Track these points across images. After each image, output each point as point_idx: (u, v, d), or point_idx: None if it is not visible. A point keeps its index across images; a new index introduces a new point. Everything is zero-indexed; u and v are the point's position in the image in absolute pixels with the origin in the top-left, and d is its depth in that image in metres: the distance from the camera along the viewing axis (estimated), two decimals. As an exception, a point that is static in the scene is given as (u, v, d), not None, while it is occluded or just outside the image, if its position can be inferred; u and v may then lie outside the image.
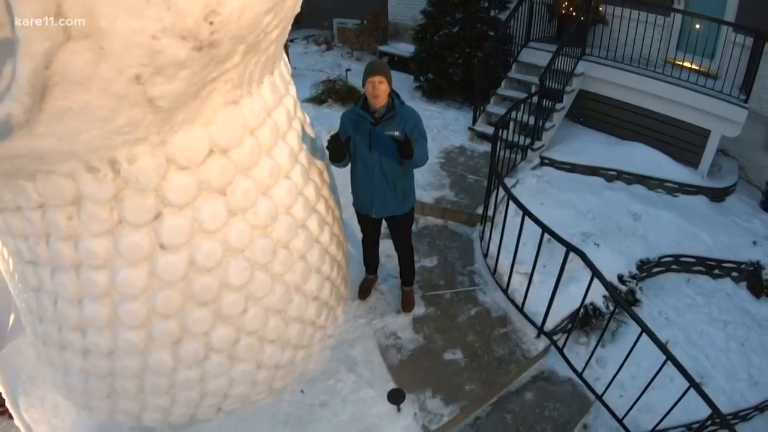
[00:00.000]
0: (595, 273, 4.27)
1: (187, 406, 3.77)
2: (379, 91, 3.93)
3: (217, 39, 2.04)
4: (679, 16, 8.60)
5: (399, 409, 4.09)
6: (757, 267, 6.90)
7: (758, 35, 7.26)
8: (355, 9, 13.29)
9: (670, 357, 3.90)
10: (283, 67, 3.57)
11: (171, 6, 1.78)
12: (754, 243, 7.24)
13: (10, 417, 4.93)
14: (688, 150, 8.17)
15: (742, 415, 5.64)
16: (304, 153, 3.81)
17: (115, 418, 3.96)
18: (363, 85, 4.00)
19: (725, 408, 4.88)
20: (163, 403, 3.67)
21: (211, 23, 1.94)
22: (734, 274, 7.00)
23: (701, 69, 8.27)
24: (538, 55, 8.93)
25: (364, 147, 4.11)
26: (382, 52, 12.82)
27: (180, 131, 2.62)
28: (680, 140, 8.21)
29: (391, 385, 4.28)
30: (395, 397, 4.07)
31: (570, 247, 4.36)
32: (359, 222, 4.81)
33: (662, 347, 3.95)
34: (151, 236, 2.87)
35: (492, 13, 9.88)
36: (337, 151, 4.00)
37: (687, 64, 8.56)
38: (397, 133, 3.97)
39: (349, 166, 4.34)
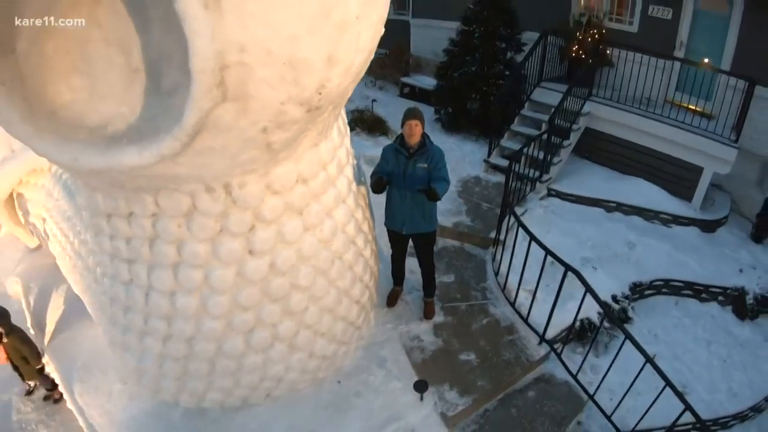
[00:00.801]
0: (588, 290, 5.23)
1: (246, 388, 4.72)
2: (414, 132, 5.01)
3: (322, 104, 2.99)
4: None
5: (422, 398, 5.02)
6: (741, 292, 7.75)
7: (750, 81, 8.19)
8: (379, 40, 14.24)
9: (651, 362, 4.84)
10: (342, 111, 4.56)
11: (298, 83, 2.69)
12: (740, 271, 8.09)
13: (55, 402, 6.01)
14: (682, 185, 9.08)
15: (722, 422, 6.47)
16: (354, 182, 4.82)
17: (179, 399, 4.89)
18: (402, 126, 5.07)
19: (705, 415, 5.68)
20: (227, 384, 4.61)
21: (320, 94, 2.86)
22: (720, 298, 7.84)
23: (698, 109, 9.17)
24: (549, 95, 9.92)
25: (399, 176, 5.14)
26: (405, 84, 13.84)
27: (279, 165, 3.58)
28: (676, 176, 9.12)
29: (415, 379, 5.21)
30: (420, 387, 5.01)
31: (567, 267, 5.32)
32: (390, 239, 5.81)
33: (645, 354, 4.88)
34: (243, 244, 3.80)
35: (508, 54, 10.91)
36: (379, 187, 5.08)
37: (685, 105, 9.48)
38: (425, 165, 5.03)
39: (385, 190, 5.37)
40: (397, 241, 5.76)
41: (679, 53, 9.81)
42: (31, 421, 5.93)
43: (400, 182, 5.17)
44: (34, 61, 2.66)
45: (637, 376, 5.03)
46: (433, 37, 12.53)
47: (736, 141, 8.44)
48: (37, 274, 7.18)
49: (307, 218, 4.04)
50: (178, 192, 3.43)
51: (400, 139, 5.17)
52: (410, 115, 5.04)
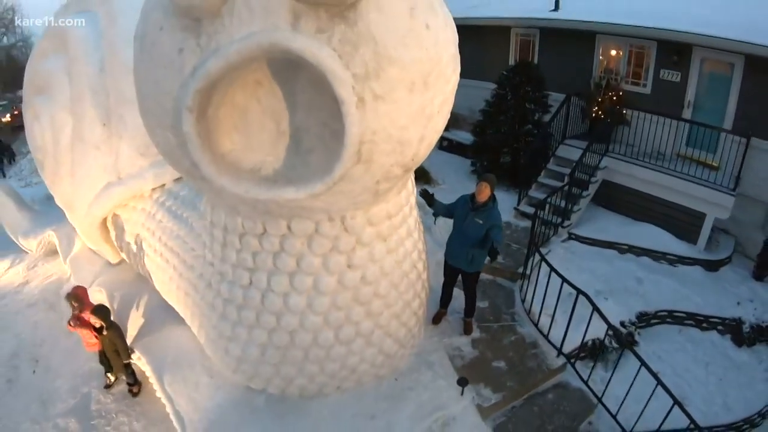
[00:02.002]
0: (595, 308, 6.65)
1: (326, 376, 6.13)
2: (482, 191, 6.55)
3: (412, 166, 4.61)
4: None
5: (462, 393, 6.40)
6: (738, 322, 8.98)
7: (747, 137, 9.70)
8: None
9: (649, 370, 6.20)
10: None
11: (402, 154, 4.25)
12: (738, 303, 9.34)
13: (134, 395, 7.28)
14: (688, 229, 10.47)
15: (718, 431, 7.57)
16: (419, 222, 6.41)
17: (268, 386, 6.30)
18: (477, 185, 6.65)
19: (701, 423, 6.61)
20: (313, 371, 6.04)
21: (413, 160, 4.47)
22: (719, 327, 9.07)
23: (705, 161, 10.60)
24: (572, 151, 11.46)
25: (461, 221, 6.76)
26: (444, 138, 15.52)
27: (377, 205, 5.18)
28: (682, 221, 10.52)
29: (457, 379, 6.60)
30: (462, 382, 6.40)
31: (578, 291, 6.76)
32: (444, 269, 7.38)
33: (646, 366, 6.24)
34: (346, 260, 5.36)
35: (536, 115, 12.56)
36: (426, 198, 6.82)
37: (694, 158, 10.84)
38: (481, 222, 6.56)
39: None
40: (450, 272, 7.34)
41: (687, 111, 11.41)
42: (111, 411, 7.10)
43: (460, 226, 6.79)
44: (213, 121, 4.13)
45: (633, 379, 6.40)
46: (470, 95, 14.10)
47: (734, 189, 9.83)
48: (119, 285, 8.63)
49: (389, 244, 5.63)
50: (308, 219, 5.04)
51: (473, 194, 6.73)
52: (483, 178, 6.68)
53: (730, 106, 10.79)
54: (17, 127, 45.70)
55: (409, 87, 3.91)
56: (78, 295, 7.10)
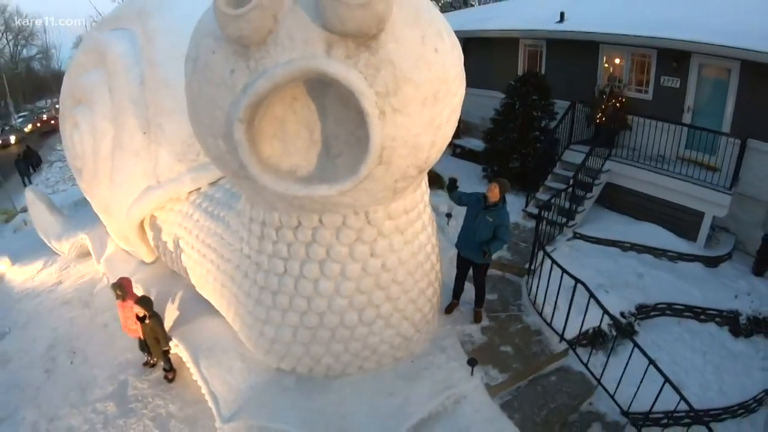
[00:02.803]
0: (592, 295, 7.53)
1: (350, 355, 7.03)
2: (493, 193, 7.50)
3: (425, 168, 5.64)
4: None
5: (472, 373, 7.25)
6: (736, 314, 9.76)
7: (743, 139, 10.53)
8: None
9: (643, 352, 7.07)
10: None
11: (416, 156, 5.26)
12: (736, 297, 10.12)
13: (169, 381, 8.11)
14: (688, 227, 11.31)
15: (714, 414, 8.30)
16: (432, 217, 7.36)
17: (298, 365, 7.20)
18: (489, 186, 7.61)
19: (696, 407, 7.36)
20: (339, 349, 6.95)
21: (426, 162, 5.49)
22: (717, 319, 9.85)
23: (705, 162, 11.44)
24: (577, 156, 12.31)
25: (472, 218, 7.70)
26: (457, 145, 16.61)
27: (396, 201, 6.15)
28: (682, 220, 11.37)
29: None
30: (471, 362, 7.27)
31: (576, 280, 7.64)
32: (457, 261, 8.33)
33: (640, 348, 7.10)
34: (369, 249, 6.31)
35: (543, 122, 13.52)
36: (452, 184, 7.89)
37: (694, 159, 11.64)
38: (491, 220, 7.49)
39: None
40: (462, 264, 8.28)
41: (687, 116, 12.27)
42: (147, 395, 7.88)
43: (471, 222, 7.73)
44: (257, 130, 5.11)
45: (627, 362, 7.34)
46: (480, 104, 15.19)
47: (731, 188, 10.64)
48: (155, 281, 9.58)
49: (407, 236, 6.62)
50: (336, 213, 6.04)
51: (485, 194, 7.66)
52: (495, 180, 7.67)
53: (728, 110, 11.62)
54: (45, 133, 48.13)
55: (421, 102, 4.91)
56: (123, 285, 7.99)
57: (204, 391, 7.12)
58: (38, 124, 51.58)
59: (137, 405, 7.78)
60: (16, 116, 56.07)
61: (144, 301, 7.66)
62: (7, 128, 46.70)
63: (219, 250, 7.72)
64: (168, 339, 7.91)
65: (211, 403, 6.94)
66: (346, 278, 6.44)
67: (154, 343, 7.88)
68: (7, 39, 69.86)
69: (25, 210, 19.10)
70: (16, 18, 69.15)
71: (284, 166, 5.29)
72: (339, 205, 5.80)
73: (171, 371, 8.13)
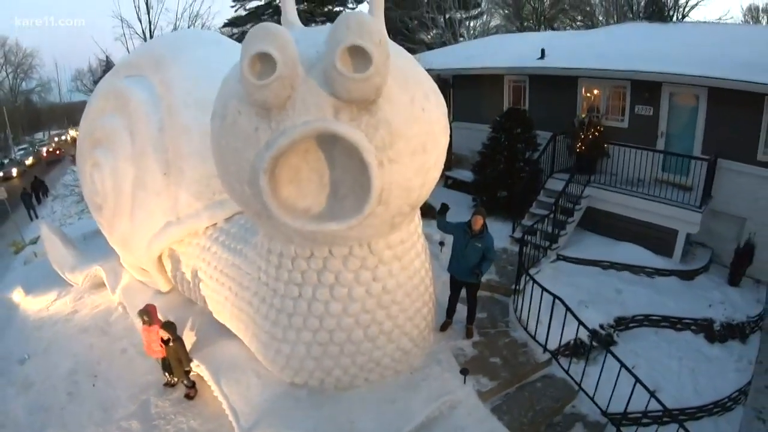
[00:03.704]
0: (568, 309, 8.72)
1: (357, 368, 8.15)
2: (477, 223, 8.74)
3: (417, 205, 7.01)
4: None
5: (465, 381, 8.38)
6: (710, 321, 10.87)
7: (712, 159, 11.84)
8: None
9: (615, 357, 8.22)
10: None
11: (409, 197, 6.59)
12: (710, 306, 11.25)
13: (190, 399, 9.06)
14: (663, 245, 12.53)
15: (689, 413, 9.28)
16: (425, 245, 8.60)
17: (310, 379, 8.27)
18: (471, 217, 8.82)
19: (671, 407, 8.32)
20: (347, 363, 8.08)
21: (417, 200, 6.83)
22: (693, 327, 10.95)
23: (680, 183, 12.55)
24: (559, 184, 13.47)
25: (462, 247, 8.89)
26: (448, 176, 17.97)
27: (393, 233, 7.41)
28: (658, 238, 12.59)
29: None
30: (464, 371, 8.42)
31: (555, 296, 8.83)
32: (450, 283, 9.52)
33: (611, 354, 8.23)
34: (371, 274, 7.50)
35: (527, 154, 14.87)
36: (443, 209, 9.11)
37: (670, 181, 12.80)
38: (479, 245, 8.72)
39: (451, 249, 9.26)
40: (455, 285, 9.49)
41: (661, 141, 13.62)
42: (169, 413, 8.70)
43: (461, 252, 8.93)
44: (277, 177, 6.28)
45: (601, 368, 8.45)
46: (470, 137, 16.65)
47: (701, 207, 11.85)
48: (171, 309, 10.46)
49: (403, 262, 7.84)
50: (344, 245, 7.27)
51: (469, 223, 8.87)
52: (477, 212, 8.90)
53: (698, 133, 12.90)
54: (50, 163, 52.07)
55: (412, 152, 6.24)
56: (149, 311, 9.08)
57: (224, 406, 8.15)
58: (44, 155, 55.94)
59: (160, 422, 8.63)
60: (16, 149, 58.67)
61: (169, 326, 8.75)
62: (7, 161, 49.11)
63: (237, 279, 8.87)
64: (190, 360, 8.94)
65: (231, 417, 7.96)
66: (352, 300, 7.60)
67: (177, 364, 8.89)
68: (6, 72, 72.31)
69: (33, 242, 20.30)
70: (16, 51, 71.89)
71: (299, 207, 6.47)
72: (346, 238, 7.03)
73: (192, 389, 9.10)
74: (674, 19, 27.40)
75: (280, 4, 7.24)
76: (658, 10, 24.86)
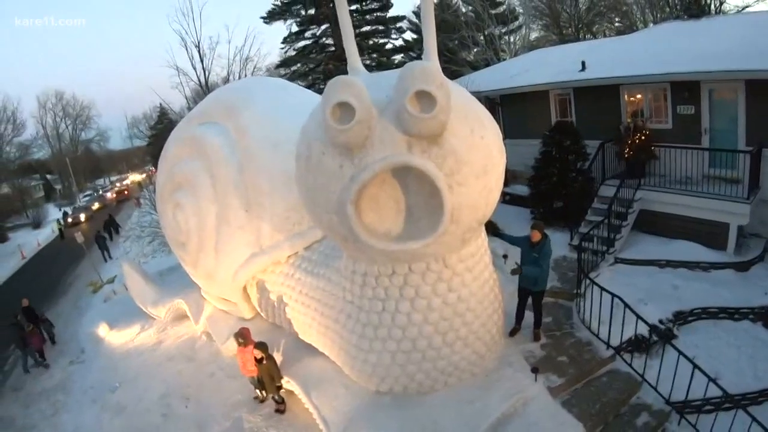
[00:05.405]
0: (627, 306, 9.61)
1: (438, 372, 9.18)
2: (535, 236, 9.80)
3: (483, 221, 8.25)
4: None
5: (536, 379, 9.33)
6: (767, 309, 11.35)
7: (754, 153, 12.43)
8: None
9: (676, 349, 9.11)
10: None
11: (477, 214, 7.83)
12: (766, 294, 11.71)
13: (281, 413, 10.08)
14: (717, 239, 13.16)
15: (751, 397, 9.42)
16: (492, 257, 9.70)
17: (395, 386, 9.30)
18: (530, 230, 9.87)
19: (732, 392, 8.57)
20: (429, 368, 9.11)
21: (484, 216, 8.06)
22: (751, 316, 11.37)
23: (728, 177, 13.18)
24: (611, 190, 14.32)
25: (525, 256, 9.94)
26: (505, 193, 19.07)
27: (464, 248, 8.60)
28: (710, 233, 13.25)
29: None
30: (535, 370, 9.39)
31: (613, 295, 9.76)
32: (519, 291, 10.48)
33: (672, 346, 9.13)
34: (447, 286, 8.62)
35: (578, 164, 15.84)
36: (495, 231, 10.36)
37: (719, 176, 13.48)
38: (537, 255, 9.75)
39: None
40: (523, 293, 10.47)
41: (705, 138, 14.30)
42: (261, 427, 9.70)
43: (524, 260, 9.94)
44: (359, 206, 7.44)
45: (661, 359, 9.30)
46: (522, 153, 17.52)
47: (748, 198, 12.47)
48: (258, 334, 11.12)
49: (474, 273, 8.96)
50: (422, 261, 8.43)
51: (529, 237, 9.90)
52: (533, 226, 9.96)
53: (740, 126, 13.52)
54: (120, 201, 59.60)
55: (476, 176, 7.41)
56: (243, 334, 10.29)
57: (315, 416, 9.23)
58: (113, 196, 63.37)
59: None
60: (81, 196, 65.20)
61: (261, 346, 9.93)
62: (75, 207, 54.18)
63: (322, 300, 10.06)
64: (281, 377, 10.04)
65: (322, 426, 9.03)
66: (431, 310, 8.71)
67: (269, 381, 9.95)
68: (65, 124, 78.28)
69: (111, 281, 21.99)
70: (73, 104, 79.65)
71: (380, 230, 7.64)
72: (423, 255, 8.17)
73: (282, 404, 10.17)
74: (712, 7, 27.32)
75: (343, 47, 8.35)
76: (695, 1, 25.14)
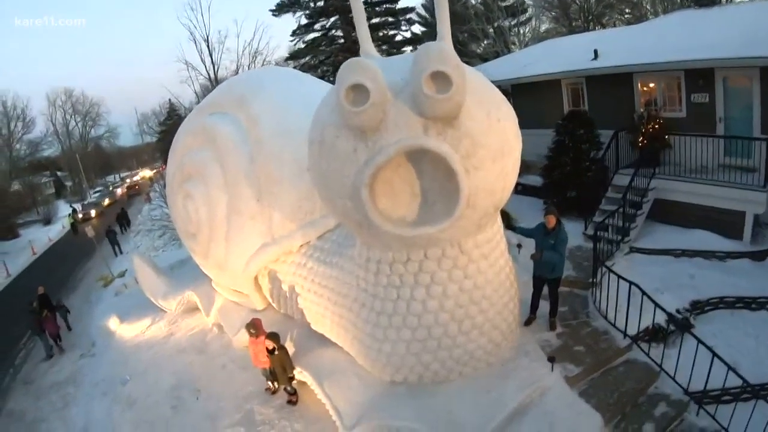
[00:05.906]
0: (645, 294, 9.46)
1: (453, 361, 9.02)
2: (550, 222, 9.72)
3: (500, 206, 8.09)
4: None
5: (552, 369, 9.19)
6: (785, 298, 11.28)
7: None
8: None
9: (695, 336, 8.97)
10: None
11: (493, 198, 7.67)
12: (782, 283, 11.65)
13: (292, 405, 10.03)
14: (733, 228, 12.99)
15: None
16: (507, 245, 9.56)
17: (409, 375, 9.17)
18: (544, 216, 9.83)
19: (751, 382, 8.68)
20: (444, 356, 8.96)
21: (500, 201, 7.88)
22: None
23: (744, 165, 13.04)
24: (625, 179, 14.18)
25: (539, 243, 9.84)
26: (518, 183, 18.51)
27: (480, 234, 8.43)
28: (726, 222, 13.08)
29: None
30: (551, 360, 9.23)
31: (630, 283, 9.62)
32: (533, 280, 10.42)
33: (692, 334, 9.02)
34: (463, 272, 8.45)
35: (591, 153, 15.72)
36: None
37: (734, 164, 13.31)
38: (552, 242, 9.64)
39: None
40: (538, 281, 10.40)
41: (720, 126, 14.13)
42: (273, 419, 9.68)
43: (539, 246, 9.83)
44: (373, 192, 7.32)
45: (680, 349, 9.20)
46: (535, 143, 17.08)
47: (764, 186, 12.32)
48: (269, 324, 11.02)
49: (490, 260, 8.78)
50: (437, 247, 8.25)
51: (544, 223, 9.87)
52: (548, 212, 9.97)
53: (756, 113, 13.35)
54: (131, 195, 61.44)
55: (492, 159, 7.25)
56: (255, 324, 10.23)
57: (328, 406, 9.12)
58: (123, 191, 65.54)
59: (265, 427, 9.63)
60: (91, 192, 66.15)
61: (273, 336, 9.87)
62: (86, 203, 54.59)
63: (336, 288, 9.93)
64: (293, 367, 9.95)
65: (335, 417, 8.91)
66: (447, 297, 8.54)
67: (281, 372, 9.89)
68: (75, 121, 79.23)
69: (121, 275, 22.08)
70: (83, 101, 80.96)
71: (395, 215, 7.52)
72: (439, 240, 8.03)
73: (294, 395, 10.11)
74: (723, -2, 27.05)
75: (356, 36, 8.30)
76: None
